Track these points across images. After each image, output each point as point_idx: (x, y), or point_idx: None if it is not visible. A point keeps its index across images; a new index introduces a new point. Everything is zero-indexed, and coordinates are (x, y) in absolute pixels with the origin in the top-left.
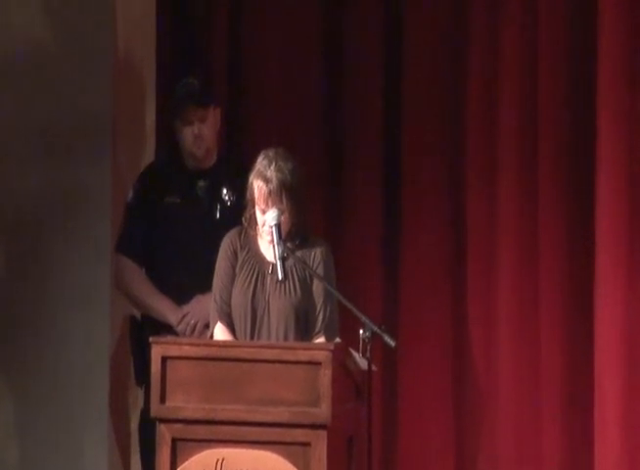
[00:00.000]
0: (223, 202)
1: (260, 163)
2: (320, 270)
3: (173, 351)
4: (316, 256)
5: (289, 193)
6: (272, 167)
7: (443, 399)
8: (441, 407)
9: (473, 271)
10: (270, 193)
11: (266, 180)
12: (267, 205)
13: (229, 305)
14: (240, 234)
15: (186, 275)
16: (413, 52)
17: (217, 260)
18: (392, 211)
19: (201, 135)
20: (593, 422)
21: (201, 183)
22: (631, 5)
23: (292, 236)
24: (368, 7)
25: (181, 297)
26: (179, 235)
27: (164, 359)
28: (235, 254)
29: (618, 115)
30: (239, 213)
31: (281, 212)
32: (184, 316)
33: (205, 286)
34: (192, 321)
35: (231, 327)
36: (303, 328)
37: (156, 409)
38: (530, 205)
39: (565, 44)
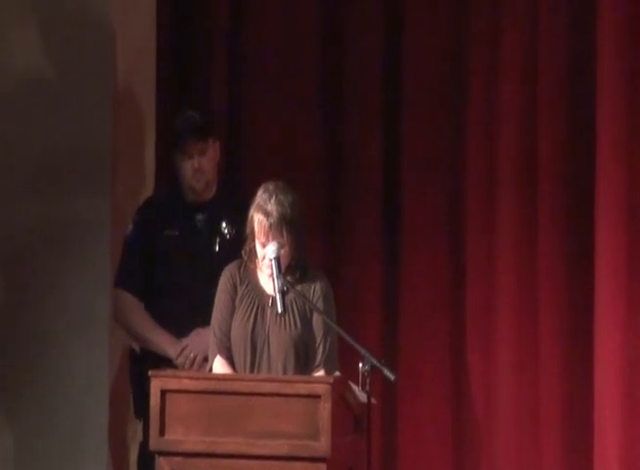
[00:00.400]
0: (222, 235)
1: (260, 196)
2: (320, 305)
3: (173, 384)
4: (316, 290)
5: (289, 226)
6: (272, 201)
7: (443, 431)
8: (441, 439)
9: (472, 299)
10: (271, 227)
11: (267, 214)
12: (267, 238)
13: (228, 339)
14: (239, 267)
15: (185, 308)
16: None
17: (217, 294)
18: (391, 234)
19: (200, 168)
20: (593, 448)
21: (200, 216)
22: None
23: (292, 269)
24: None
25: (180, 330)
26: (178, 268)
27: (164, 393)
28: (234, 287)
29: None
30: (238, 246)
31: (281, 246)
32: (183, 349)
33: (204, 319)
34: (191, 354)
35: (230, 360)
36: (303, 362)
37: (155, 442)
38: (530, 227)
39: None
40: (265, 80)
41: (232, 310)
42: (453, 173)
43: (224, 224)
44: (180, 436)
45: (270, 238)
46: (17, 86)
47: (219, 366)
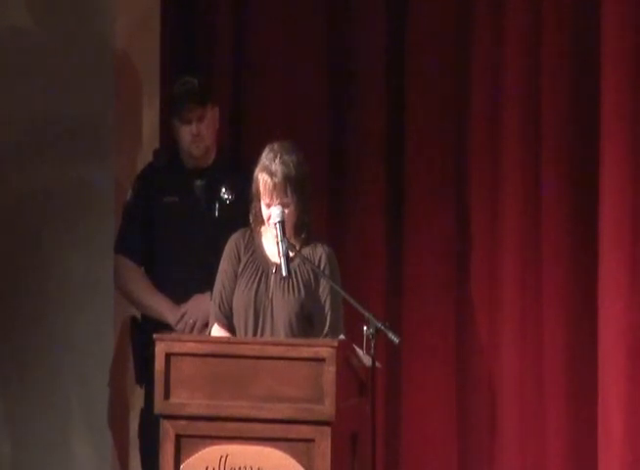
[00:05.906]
0: (222, 200)
1: (265, 156)
2: (326, 272)
3: (177, 347)
4: (322, 258)
5: (293, 186)
6: (277, 161)
7: (446, 395)
8: (444, 404)
9: (476, 267)
10: (275, 186)
11: (271, 174)
12: (272, 198)
13: (228, 308)
14: (244, 236)
15: (185, 274)
16: (415, 48)
17: (220, 262)
18: (395, 206)
19: (199, 134)
20: (597, 420)
21: (199, 182)
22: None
23: (297, 231)
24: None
25: (180, 296)
26: (178, 234)
27: (168, 356)
28: (238, 256)
29: (623, 113)
30: (237, 212)
31: (285, 207)
32: (183, 315)
33: (204, 285)
34: (190, 320)
35: (228, 328)
36: (306, 328)
37: (160, 406)
38: (534, 201)
39: (568, 43)
40: (272, 42)
41: (234, 280)
42: (457, 131)
43: (224, 190)
44: (185, 399)
45: (274, 198)
46: (17, 52)
47: (217, 334)
